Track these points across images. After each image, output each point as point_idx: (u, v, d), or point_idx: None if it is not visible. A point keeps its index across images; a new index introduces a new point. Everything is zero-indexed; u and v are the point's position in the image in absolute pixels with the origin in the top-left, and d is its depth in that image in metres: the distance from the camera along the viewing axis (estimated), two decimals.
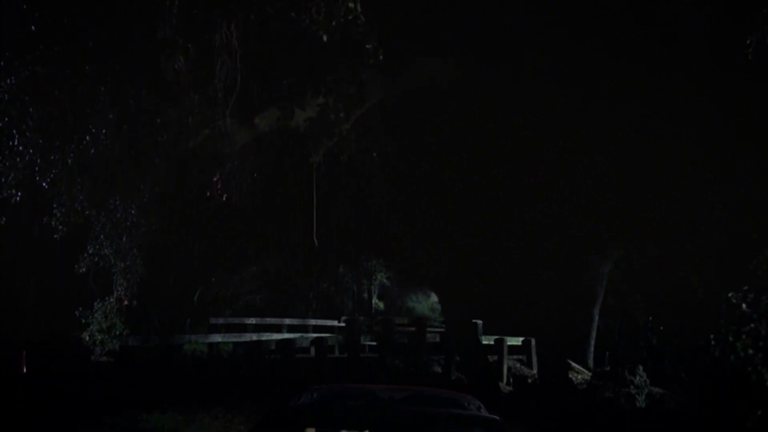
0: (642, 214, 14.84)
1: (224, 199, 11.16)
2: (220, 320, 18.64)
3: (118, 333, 10.98)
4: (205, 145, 10.56)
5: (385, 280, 26.54)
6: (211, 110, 10.10)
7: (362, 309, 26.10)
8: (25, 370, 11.28)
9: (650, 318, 17.36)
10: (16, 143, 7.94)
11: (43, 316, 11.56)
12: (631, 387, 15.10)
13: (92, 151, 8.61)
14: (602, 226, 16.02)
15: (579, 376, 17.26)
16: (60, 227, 9.70)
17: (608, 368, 16.45)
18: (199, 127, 10.16)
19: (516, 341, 18.68)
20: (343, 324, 19.32)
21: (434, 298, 27.81)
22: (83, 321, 10.81)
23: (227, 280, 22.14)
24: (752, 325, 6.37)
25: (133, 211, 10.15)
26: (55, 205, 9.69)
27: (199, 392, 13.35)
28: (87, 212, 9.78)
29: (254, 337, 17.86)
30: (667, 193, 13.73)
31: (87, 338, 10.74)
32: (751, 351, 6.28)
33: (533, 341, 18.48)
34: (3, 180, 7.97)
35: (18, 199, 8.25)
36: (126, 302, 10.80)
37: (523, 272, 17.79)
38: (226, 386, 14.11)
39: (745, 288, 6.56)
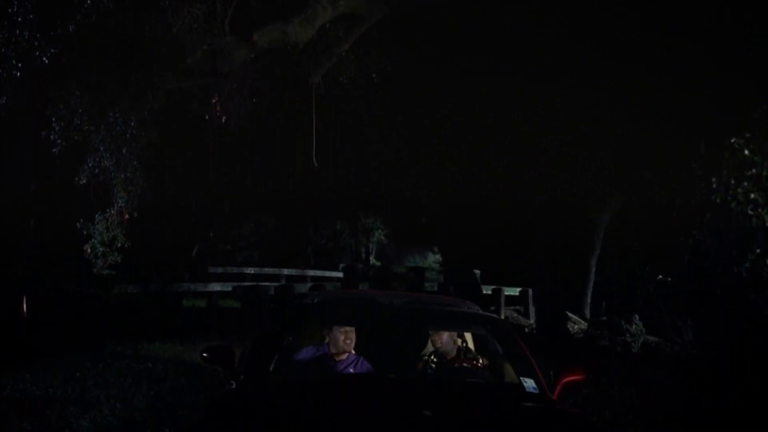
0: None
1: (223, 121, 11.13)
2: (219, 269, 18.75)
3: (119, 245, 11.01)
4: (203, 62, 10.51)
5: (383, 237, 26.64)
6: (209, 24, 10.04)
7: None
8: (25, 311, 11.30)
9: (647, 268, 17.43)
10: (15, 10, 7.86)
11: (44, 228, 11.59)
12: (627, 335, 15.21)
13: (94, 18, 8.53)
14: (601, 177, 16.03)
15: (576, 326, 17.38)
16: (59, 141, 9.68)
17: (605, 318, 16.57)
18: (198, 43, 10.11)
19: (513, 291, 18.79)
20: (341, 274, 19.43)
21: (432, 258, 27.94)
22: (84, 233, 10.84)
23: (225, 236, 22.23)
24: (754, 170, 6.40)
25: (132, 124, 10.13)
26: (54, 119, 9.66)
27: (198, 330, 13.55)
28: (86, 127, 9.76)
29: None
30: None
31: (89, 251, 10.78)
32: (753, 195, 6.32)
33: (530, 291, 18.58)
34: (3, 51, 7.88)
35: (19, 74, 8.17)
36: (127, 216, 10.82)
37: (521, 223, 17.84)
38: (226, 327, 14.29)
39: (748, 135, 6.57)
